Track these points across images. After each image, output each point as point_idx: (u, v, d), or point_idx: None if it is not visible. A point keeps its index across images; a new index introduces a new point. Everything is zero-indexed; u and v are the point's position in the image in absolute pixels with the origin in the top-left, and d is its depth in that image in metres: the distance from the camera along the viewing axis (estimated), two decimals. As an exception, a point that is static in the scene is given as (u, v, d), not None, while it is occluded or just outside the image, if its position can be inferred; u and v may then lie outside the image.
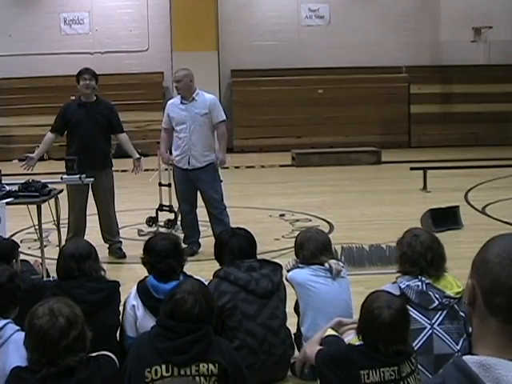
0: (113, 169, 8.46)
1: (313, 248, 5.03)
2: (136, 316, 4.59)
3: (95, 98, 8.23)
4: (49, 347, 3.18)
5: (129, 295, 4.70)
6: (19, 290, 3.90)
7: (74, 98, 8.47)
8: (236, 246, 4.99)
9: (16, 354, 3.46)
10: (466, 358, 1.62)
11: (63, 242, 7.46)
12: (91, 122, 8.05)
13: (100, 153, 8.13)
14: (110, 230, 8.35)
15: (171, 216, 9.59)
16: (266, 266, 4.95)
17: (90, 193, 8.26)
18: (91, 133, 8.02)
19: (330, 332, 4.05)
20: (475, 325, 1.70)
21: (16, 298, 3.86)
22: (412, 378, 3.65)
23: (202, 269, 6.71)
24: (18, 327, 3.61)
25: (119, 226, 8.59)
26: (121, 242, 8.48)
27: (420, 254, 4.29)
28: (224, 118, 8.38)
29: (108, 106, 8.41)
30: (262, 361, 4.76)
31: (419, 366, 3.92)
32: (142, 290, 4.65)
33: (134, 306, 4.62)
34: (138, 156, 8.49)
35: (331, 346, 3.86)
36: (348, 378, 3.58)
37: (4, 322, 3.65)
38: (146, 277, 4.72)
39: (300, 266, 5.07)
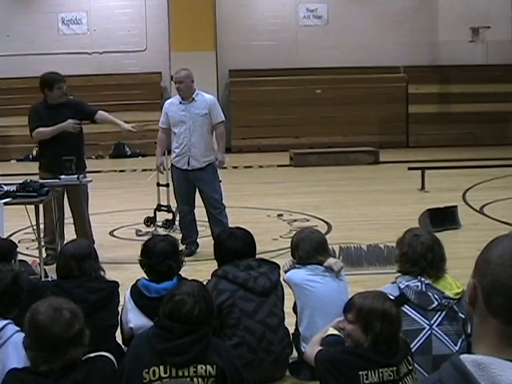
0: (86, 170, 8.25)
1: (308, 248, 5.03)
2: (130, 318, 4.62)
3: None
4: (53, 341, 3.16)
5: (124, 298, 4.72)
6: (22, 291, 3.90)
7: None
8: (234, 246, 4.99)
9: (16, 355, 3.46)
10: (463, 356, 1.62)
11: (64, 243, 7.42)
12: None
13: (74, 155, 7.72)
14: (82, 235, 7.87)
15: (169, 216, 9.58)
16: (263, 264, 4.97)
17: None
18: (63, 135, 7.79)
19: (331, 331, 4.05)
20: (475, 324, 1.70)
21: (19, 299, 3.86)
22: (409, 377, 3.67)
23: (199, 269, 6.71)
24: (18, 328, 3.60)
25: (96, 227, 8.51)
26: (93, 242, 8.16)
27: (421, 255, 4.28)
28: (223, 118, 8.40)
29: (74, 103, 8.17)
30: (261, 358, 4.77)
31: (417, 367, 3.93)
32: (135, 291, 4.68)
33: (128, 308, 4.66)
34: (126, 125, 8.27)
35: (330, 345, 3.86)
36: (347, 380, 3.58)
37: (4, 322, 3.65)
38: (138, 280, 4.73)
39: (297, 266, 5.07)
